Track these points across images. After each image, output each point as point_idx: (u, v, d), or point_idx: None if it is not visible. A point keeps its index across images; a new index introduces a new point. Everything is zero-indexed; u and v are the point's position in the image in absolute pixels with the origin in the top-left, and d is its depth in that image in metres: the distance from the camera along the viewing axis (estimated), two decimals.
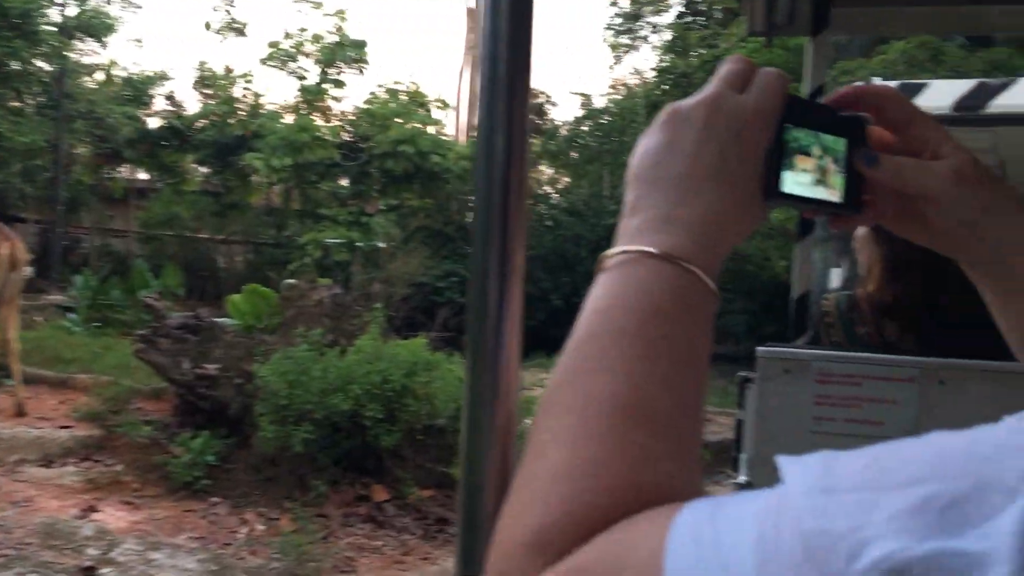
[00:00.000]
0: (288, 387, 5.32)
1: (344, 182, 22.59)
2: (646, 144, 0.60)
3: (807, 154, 0.63)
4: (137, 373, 7.06)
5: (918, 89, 4.05)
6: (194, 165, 27.89)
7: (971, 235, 0.66)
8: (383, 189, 21.83)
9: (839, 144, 0.65)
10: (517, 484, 0.50)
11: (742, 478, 2.03)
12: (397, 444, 5.68)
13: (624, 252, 0.55)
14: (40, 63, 25.51)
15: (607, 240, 0.57)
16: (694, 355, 0.53)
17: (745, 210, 0.59)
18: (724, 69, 0.61)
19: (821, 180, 0.64)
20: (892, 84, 4.25)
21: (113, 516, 4.96)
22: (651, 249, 0.54)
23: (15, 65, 24.97)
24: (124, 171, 29.28)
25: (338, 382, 5.42)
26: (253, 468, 5.61)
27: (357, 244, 19.49)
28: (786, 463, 0.41)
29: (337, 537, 5.21)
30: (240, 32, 26.15)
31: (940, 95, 3.96)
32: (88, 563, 4.21)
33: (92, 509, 5.01)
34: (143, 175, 28.87)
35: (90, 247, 26.04)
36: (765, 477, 1.86)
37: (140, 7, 27.43)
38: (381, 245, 19.97)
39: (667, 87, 18.40)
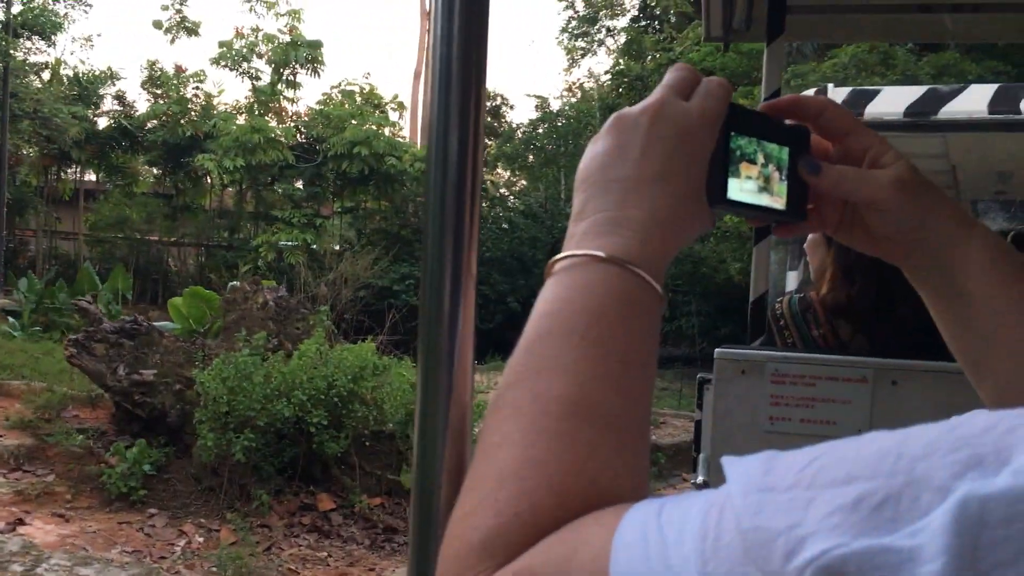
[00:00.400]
0: (229, 393, 5.13)
1: (299, 184, 22.37)
2: (594, 149, 0.61)
3: (752, 162, 0.64)
4: (76, 379, 6.81)
5: (870, 96, 4.06)
6: (145, 166, 27.50)
7: (911, 242, 0.67)
8: (338, 191, 21.65)
9: (783, 152, 0.66)
10: (467, 486, 0.50)
11: (700, 478, 2.03)
12: (344, 451, 5.52)
13: (572, 256, 0.56)
14: None
15: (563, 243, 0.58)
16: (641, 355, 0.54)
17: (691, 214, 0.60)
18: (669, 77, 0.62)
19: (765, 188, 0.65)
20: (845, 91, 4.25)
21: (42, 530, 4.74)
22: (598, 253, 0.55)
23: None
24: (73, 172, 28.77)
25: (282, 388, 5.24)
26: (193, 478, 5.41)
27: (312, 247, 19.27)
28: (729, 463, 0.42)
29: (280, 548, 5.04)
30: (192, 32, 25.75)
31: (892, 101, 3.98)
32: None
33: (20, 522, 4.77)
34: (92, 176, 28.41)
35: (36, 250, 25.52)
36: (722, 477, 1.86)
37: (91, 5, 26.89)
38: (336, 248, 19.77)
39: (622, 90, 18.41)
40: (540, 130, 20.05)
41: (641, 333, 0.54)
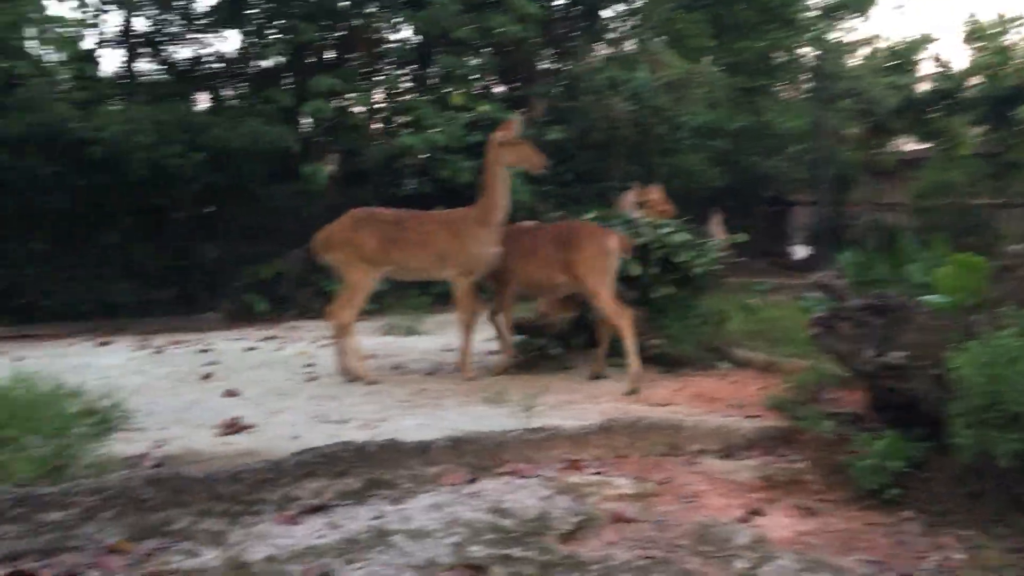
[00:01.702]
0: (987, 382, 4.15)
1: None
2: None
3: None
4: None
5: None
6: (966, 126, 26.21)
7: None
8: None
9: None
10: None
11: None
12: None
13: None
14: (803, 48, 26.35)
15: None
16: None
17: None
18: None
19: None
20: None
21: (779, 523, 4.41)
22: None
23: (780, 56, 26.19)
24: (893, 142, 28.85)
25: None
26: (955, 480, 4.54)
27: None
28: None
29: None
30: None
31: None
32: None
33: (757, 513, 4.52)
34: (912, 145, 28.11)
35: (860, 223, 26.08)
36: None
37: None
38: None
39: None
40: None
41: None
